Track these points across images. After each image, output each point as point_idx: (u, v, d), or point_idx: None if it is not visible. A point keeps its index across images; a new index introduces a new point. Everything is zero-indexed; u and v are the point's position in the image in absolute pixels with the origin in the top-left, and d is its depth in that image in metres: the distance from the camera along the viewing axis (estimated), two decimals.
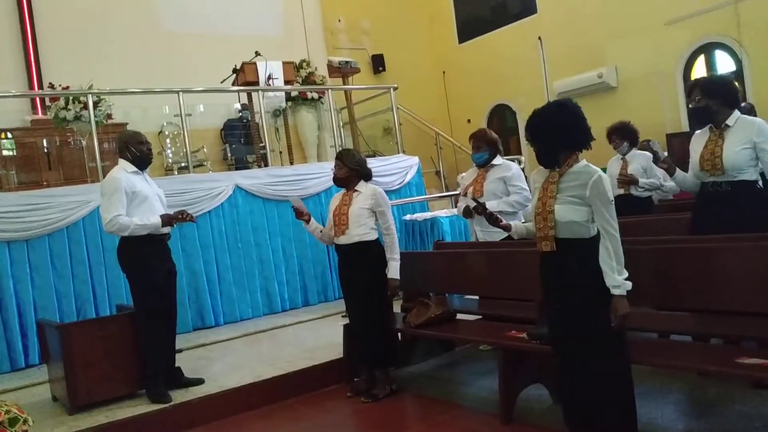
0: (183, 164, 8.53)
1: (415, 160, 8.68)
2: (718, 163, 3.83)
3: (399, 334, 4.82)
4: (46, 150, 7.96)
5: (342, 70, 9.23)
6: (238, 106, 9.95)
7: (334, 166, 4.62)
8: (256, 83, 8.27)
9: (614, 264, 2.91)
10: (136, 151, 4.60)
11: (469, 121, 12.48)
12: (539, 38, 11.28)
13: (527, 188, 4.87)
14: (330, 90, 9.04)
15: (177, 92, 7.24)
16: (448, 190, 9.86)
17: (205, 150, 8.91)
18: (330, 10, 12.02)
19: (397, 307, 4.91)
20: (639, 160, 5.88)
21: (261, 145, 8.46)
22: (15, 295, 5.82)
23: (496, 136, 5.14)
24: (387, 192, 5.53)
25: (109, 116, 7.86)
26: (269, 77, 8.34)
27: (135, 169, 4.60)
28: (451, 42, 13.17)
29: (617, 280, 2.90)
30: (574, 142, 3.04)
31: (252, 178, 7.34)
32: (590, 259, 2.96)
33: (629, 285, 2.91)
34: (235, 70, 8.65)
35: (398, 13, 12.79)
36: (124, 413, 4.27)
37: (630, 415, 3.04)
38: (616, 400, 3.01)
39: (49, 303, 5.94)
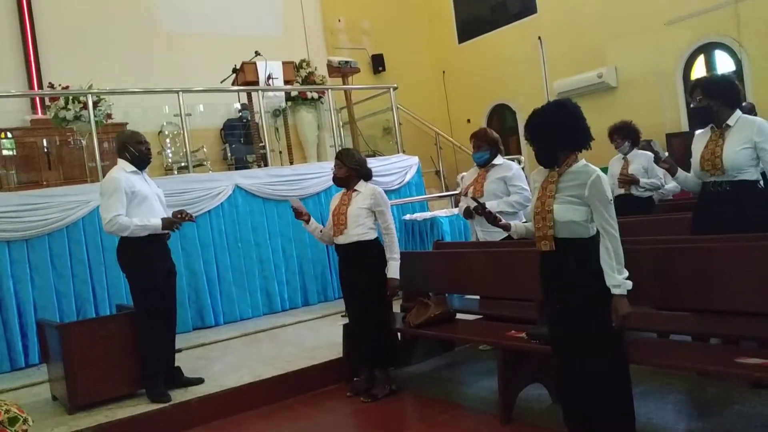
0: (183, 164, 8.53)
1: (415, 159, 8.68)
2: (718, 163, 3.83)
3: (399, 334, 4.82)
4: (45, 150, 7.96)
5: (342, 70, 9.23)
6: (237, 105, 9.95)
7: (334, 166, 4.63)
8: (256, 83, 8.27)
9: (614, 264, 2.91)
10: (135, 151, 4.60)
11: (468, 120, 12.48)
12: (539, 38, 11.28)
13: (528, 188, 4.86)
14: (330, 90, 9.05)
15: (177, 92, 7.24)
16: (447, 190, 9.86)
17: (204, 150, 8.91)
18: (330, 10, 12.02)
19: (396, 307, 4.91)
20: (640, 160, 5.88)
21: (261, 144, 8.46)
22: (15, 294, 5.83)
23: (497, 135, 5.14)
24: (387, 192, 5.53)
25: (109, 116, 7.86)
26: (269, 77, 8.34)
27: (134, 169, 4.60)
28: (451, 42, 13.17)
29: (617, 279, 2.90)
30: (574, 142, 3.04)
31: (252, 178, 7.34)
32: (590, 258, 2.96)
33: (630, 284, 2.91)
34: (234, 70, 8.66)
35: (398, 13, 12.79)
36: (124, 413, 4.27)
37: (628, 415, 3.05)
38: (615, 400, 3.01)
39: (48, 303, 5.94)
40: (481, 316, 4.98)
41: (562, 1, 11.02)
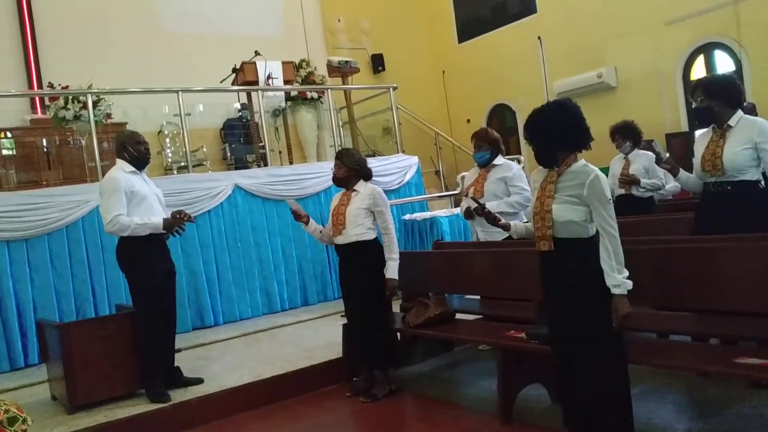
0: (182, 164, 8.52)
1: (415, 159, 8.68)
2: (719, 164, 3.83)
3: (398, 334, 4.82)
4: (45, 149, 7.96)
5: (341, 70, 9.23)
6: (237, 105, 9.94)
7: (334, 166, 4.63)
8: (256, 83, 8.27)
9: (614, 263, 2.91)
10: (134, 151, 4.60)
11: (468, 121, 12.48)
12: (539, 38, 11.28)
13: (528, 188, 4.86)
14: (329, 90, 9.05)
15: (176, 92, 7.24)
16: (447, 190, 9.86)
17: (204, 149, 8.91)
18: (330, 9, 12.02)
19: (396, 307, 4.91)
20: (641, 160, 5.86)
21: (260, 144, 8.46)
22: (14, 294, 5.82)
23: (497, 135, 5.13)
24: (386, 192, 5.53)
25: (109, 116, 7.85)
26: (269, 77, 8.34)
27: (133, 169, 4.60)
28: (451, 42, 13.16)
29: (617, 279, 2.90)
30: (573, 142, 3.04)
31: (251, 178, 7.34)
32: (589, 259, 2.96)
33: (630, 284, 2.91)
34: (234, 70, 8.66)
35: (398, 13, 12.78)
36: (124, 413, 4.27)
37: (627, 415, 3.05)
38: (615, 400, 3.01)
39: (48, 303, 5.94)
40: (480, 316, 4.98)
41: (562, 1, 11.02)
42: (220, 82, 8.82)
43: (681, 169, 4.17)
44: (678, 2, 9.36)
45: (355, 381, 4.70)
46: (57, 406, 4.59)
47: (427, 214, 7.87)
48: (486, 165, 5.07)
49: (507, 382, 3.82)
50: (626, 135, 5.95)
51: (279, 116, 9.44)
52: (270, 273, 7.22)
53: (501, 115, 12.58)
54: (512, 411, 3.81)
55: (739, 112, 3.89)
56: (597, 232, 2.97)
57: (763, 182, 3.85)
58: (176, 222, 4.54)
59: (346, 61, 9.23)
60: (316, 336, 5.88)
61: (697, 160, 4.02)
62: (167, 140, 9.19)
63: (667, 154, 4.25)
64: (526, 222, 3.85)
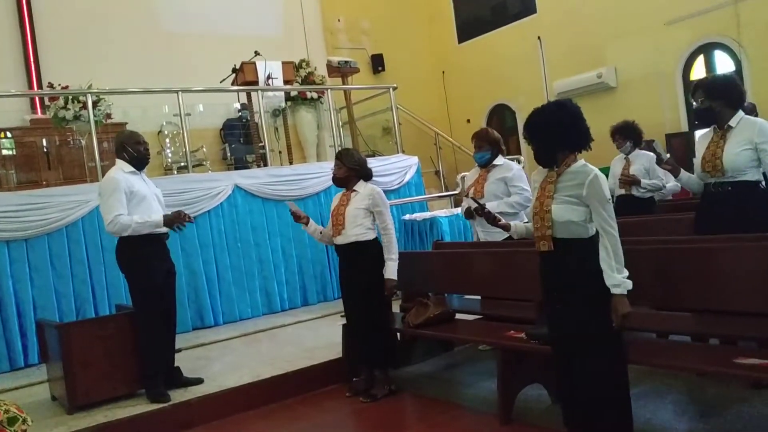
0: (182, 164, 8.53)
1: (415, 159, 8.68)
2: (719, 165, 3.84)
3: (398, 334, 4.82)
4: (45, 149, 7.96)
5: (341, 70, 9.23)
6: (237, 105, 9.95)
7: (334, 166, 4.63)
8: (256, 83, 8.27)
9: (614, 263, 2.90)
10: (134, 151, 4.60)
11: (468, 121, 12.49)
12: (539, 38, 11.28)
13: (528, 189, 4.86)
14: (329, 90, 9.05)
15: (176, 92, 7.24)
16: (447, 190, 9.86)
17: (204, 150, 8.91)
18: (329, 9, 12.01)
19: (396, 307, 4.90)
20: (641, 161, 5.85)
21: (260, 144, 8.46)
22: (14, 294, 5.83)
23: (498, 135, 5.13)
24: (386, 192, 5.53)
25: (109, 116, 7.85)
26: (268, 77, 8.34)
27: (132, 169, 4.60)
28: (451, 42, 13.16)
29: (617, 279, 2.90)
30: (573, 143, 3.04)
31: (251, 178, 7.34)
32: (589, 259, 2.96)
33: (629, 284, 2.90)
34: (234, 70, 8.66)
35: (398, 13, 12.78)
36: (123, 413, 4.27)
37: (626, 416, 3.05)
38: (614, 400, 3.01)
39: (48, 303, 5.94)
40: (480, 317, 4.98)
41: (562, 1, 11.02)
42: (220, 82, 8.82)
43: (682, 170, 4.17)
44: (678, 2, 9.36)
45: (355, 381, 4.70)
46: (57, 406, 4.59)
47: (427, 215, 7.88)
48: (486, 165, 5.07)
49: (507, 382, 3.82)
50: (627, 135, 5.94)
51: (279, 116, 9.45)
52: (270, 273, 7.22)
53: (501, 115, 12.58)
54: (512, 411, 3.81)
55: (740, 113, 3.89)
56: (597, 232, 2.97)
57: (763, 183, 3.85)
58: (177, 218, 4.54)
59: (346, 61, 9.23)
60: (316, 336, 5.88)
61: (697, 161, 4.03)
62: (167, 140, 9.19)
63: (668, 155, 4.25)
64: (527, 222, 3.85)
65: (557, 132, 3.02)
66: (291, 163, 9.18)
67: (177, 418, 4.32)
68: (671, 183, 5.74)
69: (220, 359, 5.44)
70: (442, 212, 7.93)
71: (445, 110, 13.13)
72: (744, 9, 8.70)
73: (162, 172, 8.78)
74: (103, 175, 5.09)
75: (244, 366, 5.10)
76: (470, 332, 4.61)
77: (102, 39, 9.31)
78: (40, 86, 8.79)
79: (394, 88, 8.94)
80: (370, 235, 4.48)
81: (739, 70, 8.73)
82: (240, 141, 9.47)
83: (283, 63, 8.68)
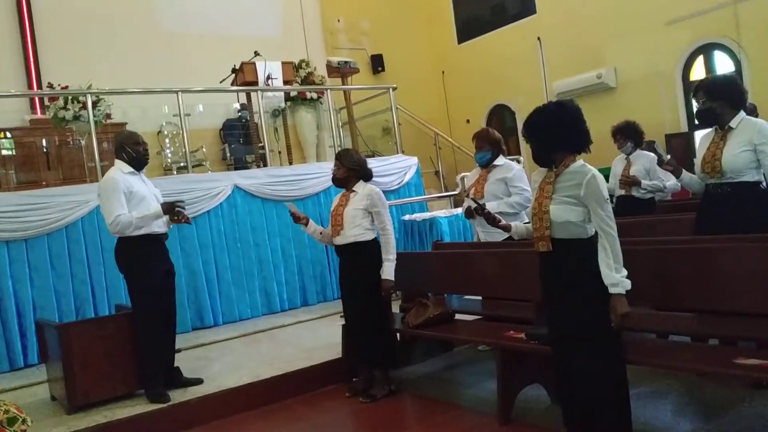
0: (182, 164, 8.53)
1: (414, 160, 8.68)
2: (718, 166, 3.83)
3: (398, 335, 4.82)
4: (45, 150, 7.96)
5: (341, 70, 9.23)
6: (237, 106, 9.95)
7: (334, 167, 4.63)
8: (255, 83, 8.27)
9: (612, 262, 2.91)
10: (133, 151, 4.60)
11: (468, 121, 12.49)
12: (538, 39, 11.28)
13: (528, 189, 4.85)
14: (329, 90, 9.04)
15: (176, 92, 7.24)
16: (447, 191, 9.86)
17: (204, 150, 8.91)
18: (329, 10, 12.01)
19: (395, 308, 4.90)
20: (642, 161, 5.83)
21: (260, 145, 8.46)
22: (14, 294, 5.82)
23: (499, 136, 5.12)
24: (386, 192, 5.53)
25: (108, 116, 7.85)
26: (268, 77, 8.34)
27: (131, 169, 4.60)
28: (451, 42, 13.16)
29: (615, 278, 2.90)
30: (572, 143, 3.04)
31: (251, 178, 7.34)
32: (588, 259, 2.96)
33: (628, 283, 2.91)
34: (234, 70, 8.66)
35: (397, 14, 12.78)
36: (123, 413, 4.27)
37: (626, 416, 3.05)
38: (614, 400, 3.01)
39: (48, 303, 5.94)
40: (480, 317, 4.98)
41: (562, 1, 11.02)
42: (220, 82, 8.82)
43: (684, 170, 4.17)
44: (677, 3, 9.36)
45: (355, 381, 4.70)
46: (56, 406, 4.59)
47: (426, 215, 7.88)
48: (487, 165, 5.06)
49: (506, 382, 3.82)
50: (628, 135, 5.92)
51: (278, 116, 9.44)
52: (269, 273, 7.22)
53: (500, 115, 12.57)
54: (511, 411, 3.81)
55: (741, 113, 3.88)
56: (596, 232, 2.97)
57: (764, 183, 3.84)
58: (175, 205, 4.55)
59: (346, 62, 9.23)
60: (316, 336, 5.88)
61: (698, 161, 4.03)
62: (167, 140, 9.19)
63: (668, 156, 4.25)
64: (527, 223, 3.85)
65: (557, 132, 3.02)
66: (291, 163, 9.18)
67: (177, 418, 4.32)
68: (671, 182, 5.73)
69: (219, 359, 5.44)
70: (442, 212, 7.93)
71: (444, 111, 13.13)
72: (743, 9, 8.70)
73: (161, 173, 8.78)
74: (102, 176, 5.09)
75: (243, 366, 5.10)
76: (470, 332, 4.62)
77: (102, 39, 9.31)
78: (39, 86, 8.79)
79: (394, 89, 8.94)
80: (369, 236, 4.48)
81: (738, 70, 8.74)
82: (240, 141, 9.46)
83: (283, 63, 8.68)
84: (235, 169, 8.59)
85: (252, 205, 7.23)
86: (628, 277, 2.91)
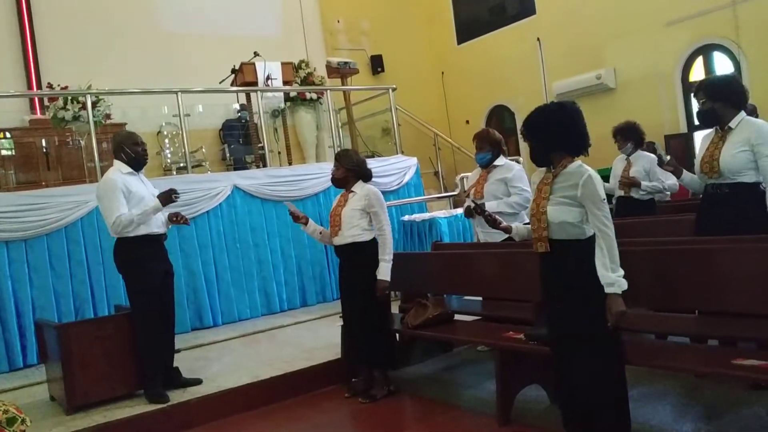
0: (181, 164, 8.52)
1: (414, 160, 8.68)
2: (716, 166, 3.83)
3: (397, 335, 4.82)
4: (44, 150, 7.95)
5: (341, 71, 9.23)
6: (236, 106, 9.93)
7: (333, 167, 4.63)
8: (255, 84, 8.27)
9: (608, 262, 2.91)
10: (131, 152, 4.60)
11: (467, 122, 12.50)
12: (538, 39, 11.28)
13: (528, 189, 4.85)
14: (329, 90, 9.04)
15: (176, 92, 7.24)
16: (446, 191, 9.85)
17: (203, 150, 8.91)
18: (329, 10, 12.01)
19: (395, 308, 4.91)
20: (642, 162, 5.82)
21: (260, 145, 8.46)
22: (13, 294, 5.83)
23: (499, 136, 5.11)
24: (385, 192, 5.52)
25: (108, 116, 7.85)
26: (268, 78, 8.34)
27: (130, 170, 4.60)
28: (450, 43, 13.16)
29: (611, 278, 2.89)
30: (571, 144, 3.04)
31: (250, 179, 7.34)
32: (587, 260, 2.96)
33: (624, 283, 2.90)
34: (233, 71, 8.66)
35: (397, 14, 12.78)
36: (122, 413, 4.27)
37: (624, 416, 3.05)
38: (613, 400, 3.01)
39: (47, 303, 5.94)
40: (479, 317, 4.98)
41: (561, 2, 11.02)
42: (220, 82, 8.81)
43: (684, 170, 4.17)
44: (677, 4, 9.37)
45: (354, 382, 4.70)
46: (55, 406, 4.59)
47: (426, 215, 7.87)
48: (487, 166, 5.06)
49: (505, 383, 3.82)
50: (628, 136, 5.91)
51: (278, 117, 9.44)
52: (269, 274, 7.22)
53: (500, 116, 12.58)
54: (511, 412, 3.81)
55: (741, 114, 3.86)
56: (595, 233, 2.97)
57: (764, 184, 3.83)
58: (171, 191, 4.55)
59: (346, 62, 9.23)
60: (315, 337, 5.88)
61: (697, 161, 4.03)
62: (166, 141, 9.18)
63: (668, 157, 4.25)
64: (527, 223, 3.86)
65: (556, 132, 3.02)
66: (290, 163, 9.17)
67: (176, 418, 4.32)
68: (670, 182, 5.73)
69: (219, 360, 5.43)
70: (441, 213, 7.92)
71: (444, 111, 13.13)
72: (743, 10, 8.71)
73: (161, 173, 8.78)
74: (102, 176, 5.09)
75: (242, 367, 5.10)
76: (469, 333, 4.62)
77: (101, 39, 9.30)
78: (39, 87, 8.79)
79: (394, 89, 8.94)
80: (367, 236, 4.47)
81: (738, 71, 8.74)
82: (239, 142, 9.45)
83: (283, 64, 8.68)
84: (235, 169, 8.58)
85: (251, 206, 7.23)
86: (626, 277, 2.91)
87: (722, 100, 3.87)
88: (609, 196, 5.86)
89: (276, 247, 7.31)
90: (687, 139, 9.39)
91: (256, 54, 8.54)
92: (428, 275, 5.01)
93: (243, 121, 9.49)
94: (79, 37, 9.19)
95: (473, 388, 4.52)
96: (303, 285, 7.48)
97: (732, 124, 3.85)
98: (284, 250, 7.36)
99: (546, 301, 3.22)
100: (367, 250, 4.45)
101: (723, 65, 9.21)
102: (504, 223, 3.52)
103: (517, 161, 7.95)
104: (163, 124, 9.22)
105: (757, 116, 4.72)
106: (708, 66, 9.43)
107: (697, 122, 4.70)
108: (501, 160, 5.04)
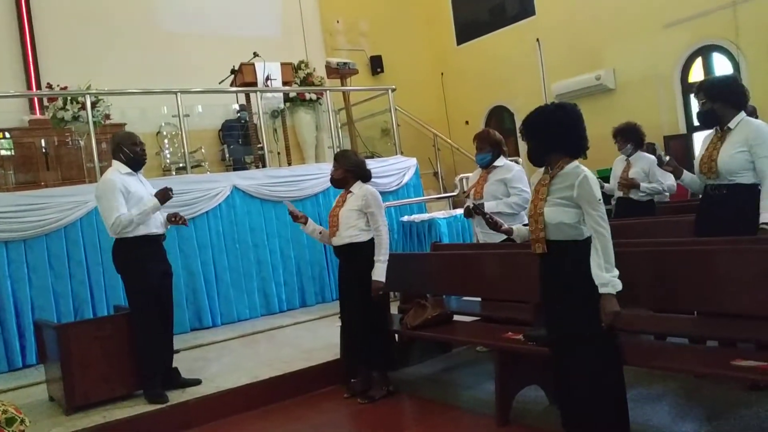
0: (181, 165, 8.52)
1: (413, 161, 8.68)
2: (714, 167, 3.83)
3: (396, 336, 4.82)
4: (44, 150, 7.95)
5: (340, 71, 9.23)
6: (236, 106, 9.92)
7: (332, 168, 4.63)
8: (255, 84, 8.28)
9: (603, 262, 2.91)
10: (130, 152, 4.60)
11: (467, 122, 12.50)
12: (537, 40, 11.28)
13: (527, 190, 4.85)
14: (328, 91, 9.04)
15: (175, 93, 7.24)
16: (445, 192, 9.86)
17: (203, 151, 8.91)
18: (328, 11, 12.01)
19: (394, 309, 4.90)
20: (641, 164, 5.81)
21: (259, 145, 8.46)
22: (12, 295, 5.82)
23: (500, 137, 5.11)
24: (385, 193, 5.52)
25: (108, 116, 7.85)
26: (267, 78, 8.35)
27: (129, 170, 4.60)
28: (450, 43, 13.17)
29: (605, 278, 2.89)
30: (570, 145, 3.04)
31: (250, 179, 7.34)
32: (584, 260, 2.96)
33: (618, 283, 2.90)
34: (233, 71, 8.66)
35: (397, 15, 12.78)
36: (121, 414, 4.28)
37: (623, 417, 3.05)
38: (612, 401, 3.02)
39: (46, 303, 5.94)
40: (478, 318, 4.98)
41: (561, 3, 11.03)
42: (219, 83, 8.82)
43: (684, 171, 4.17)
44: (676, 4, 9.37)
45: (353, 382, 4.70)
46: (55, 406, 4.59)
47: (425, 216, 7.88)
48: (487, 166, 5.07)
49: (504, 383, 3.82)
50: (628, 137, 5.89)
51: (277, 117, 9.44)
52: (268, 274, 7.22)
53: (499, 116, 12.59)
54: (509, 413, 3.81)
55: (741, 114, 3.85)
56: None
57: (761, 185, 3.83)
58: (166, 189, 4.56)
59: (345, 63, 9.23)
60: (314, 337, 5.88)
61: (696, 162, 4.03)
62: (166, 141, 9.18)
63: (668, 157, 4.25)
64: (527, 224, 3.86)
65: (556, 132, 3.03)
66: (289, 164, 9.17)
67: (175, 419, 4.32)
68: (669, 182, 5.72)
69: (218, 360, 5.44)
70: (441, 214, 7.93)
71: (443, 112, 13.13)
72: (742, 11, 8.71)
73: (160, 173, 8.78)
74: (101, 176, 5.09)
75: (242, 367, 5.10)
76: (468, 334, 4.62)
77: (101, 39, 9.30)
78: (38, 87, 8.78)
79: (393, 90, 8.95)
80: (365, 237, 4.46)
81: (737, 72, 8.75)
82: (239, 142, 9.43)
83: (282, 64, 8.69)
84: (234, 169, 8.57)
85: (251, 206, 7.23)
86: (622, 277, 2.91)
87: (722, 100, 3.87)
88: (609, 197, 5.88)
89: (275, 248, 7.31)
90: (686, 140, 9.40)
91: (255, 54, 8.54)
92: (427, 276, 5.01)
93: (242, 121, 9.48)
94: (78, 37, 9.19)
95: (472, 388, 4.52)
96: (302, 285, 7.48)
97: (731, 124, 3.85)
98: (283, 250, 7.36)
99: (545, 302, 3.22)
100: (365, 251, 4.44)
101: (722, 66, 9.22)
102: (505, 226, 3.52)
103: (516, 162, 7.96)
104: (163, 124, 9.22)
105: (757, 117, 4.72)
106: (707, 67, 9.44)
107: (697, 123, 4.68)
108: (501, 161, 5.04)
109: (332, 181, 4.64)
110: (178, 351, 5.04)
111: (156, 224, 4.60)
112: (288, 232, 7.34)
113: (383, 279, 4.42)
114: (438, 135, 11.26)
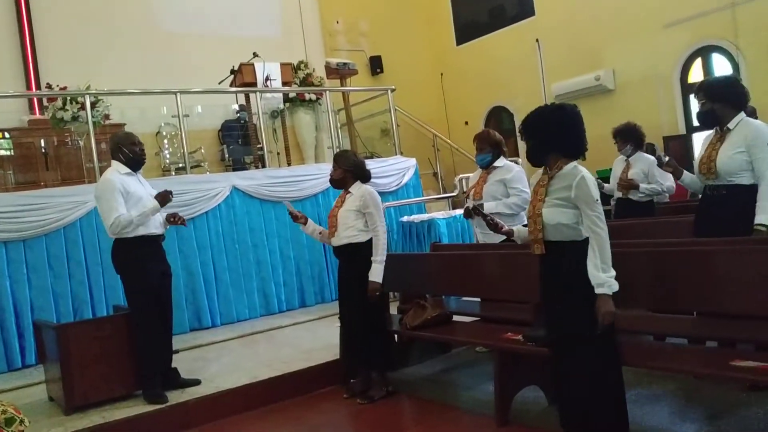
0: (180, 165, 8.51)
1: (413, 161, 8.68)
2: (713, 167, 3.83)
3: (395, 336, 4.83)
4: (43, 150, 7.95)
5: (340, 72, 9.24)
6: (235, 107, 9.92)
7: (331, 168, 4.63)
8: (254, 84, 8.27)
9: (599, 262, 2.91)
10: (129, 152, 4.60)
11: (466, 123, 12.50)
12: (537, 40, 11.28)
13: (527, 190, 4.84)
14: (328, 91, 9.03)
15: (175, 93, 7.24)
16: (445, 192, 9.86)
17: (202, 151, 8.91)
18: (328, 11, 12.01)
19: (393, 309, 4.90)
20: (641, 164, 5.80)
21: (258, 146, 8.45)
22: (12, 295, 5.82)
23: (500, 137, 5.11)
24: (384, 193, 5.52)
25: (107, 117, 7.84)
26: (267, 78, 8.35)
27: (128, 170, 4.60)
28: (449, 44, 13.17)
29: (601, 278, 2.90)
30: (569, 146, 3.04)
31: (249, 179, 7.34)
32: (583, 261, 2.96)
33: (614, 284, 2.90)
34: (233, 71, 8.66)
35: (396, 15, 12.78)
36: (121, 414, 4.28)
37: (622, 417, 3.05)
38: (611, 401, 3.02)
39: (46, 303, 5.94)
40: (478, 318, 4.98)
41: (560, 3, 11.03)
42: (219, 83, 8.82)
43: (684, 171, 4.17)
44: (676, 5, 9.37)
45: (352, 383, 4.70)
46: (54, 407, 4.59)
47: (424, 216, 7.87)
48: (487, 167, 5.06)
49: (504, 384, 3.82)
50: (627, 138, 5.88)
51: (277, 118, 9.44)
52: (267, 274, 7.22)
53: (499, 117, 12.58)
54: (509, 413, 3.81)
55: (741, 114, 3.85)
56: None
57: (759, 186, 3.83)
58: (166, 191, 4.56)
59: (345, 63, 9.24)
60: (314, 338, 5.88)
61: (696, 162, 4.03)
62: (165, 141, 9.18)
63: (668, 158, 4.25)
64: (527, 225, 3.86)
65: (555, 133, 3.03)
66: (289, 164, 9.17)
67: (174, 419, 4.33)
68: (668, 183, 5.72)
69: (217, 360, 5.43)
70: (440, 214, 7.92)
71: (443, 112, 13.12)
72: (741, 12, 8.72)
73: (160, 173, 8.78)
74: (101, 176, 5.09)
75: (241, 367, 5.10)
76: (467, 334, 4.62)
77: (101, 40, 9.30)
78: (38, 87, 8.78)
79: (393, 90, 8.95)
80: (363, 237, 4.46)
81: (736, 73, 8.75)
82: (238, 142, 9.43)
83: (282, 64, 8.69)
84: (234, 170, 8.58)
85: (250, 206, 7.23)
86: (620, 278, 2.91)
87: (722, 100, 3.87)
88: (608, 198, 5.88)
89: (275, 248, 7.31)
90: (686, 141, 9.40)
91: (255, 55, 8.54)
92: (427, 276, 5.01)
93: (242, 121, 9.49)
94: (78, 37, 9.18)
95: (471, 389, 4.52)
96: (302, 286, 7.48)
97: (731, 125, 3.84)
98: (283, 250, 7.36)
99: (544, 302, 3.22)
100: (364, 251, 4.44)
101: (722, 67, 9.22)
102: (506, 227, 3.52)
103: (516, 162, 7.96)
104: (162, 124, 9.22)
105: (756, 118, 4.72)
106: (707, 67, 9.44)
107: (696, 123, 4.68)
108: (501, 161, 5.04)
109: (331, 181, 4.65)
110: (177, 351, 5.04)
111: (155, 224, 4.60)
112: (287, 233, 7.34)
113: (380, 280, 4.41)
114: (437, 135, 11.26)
